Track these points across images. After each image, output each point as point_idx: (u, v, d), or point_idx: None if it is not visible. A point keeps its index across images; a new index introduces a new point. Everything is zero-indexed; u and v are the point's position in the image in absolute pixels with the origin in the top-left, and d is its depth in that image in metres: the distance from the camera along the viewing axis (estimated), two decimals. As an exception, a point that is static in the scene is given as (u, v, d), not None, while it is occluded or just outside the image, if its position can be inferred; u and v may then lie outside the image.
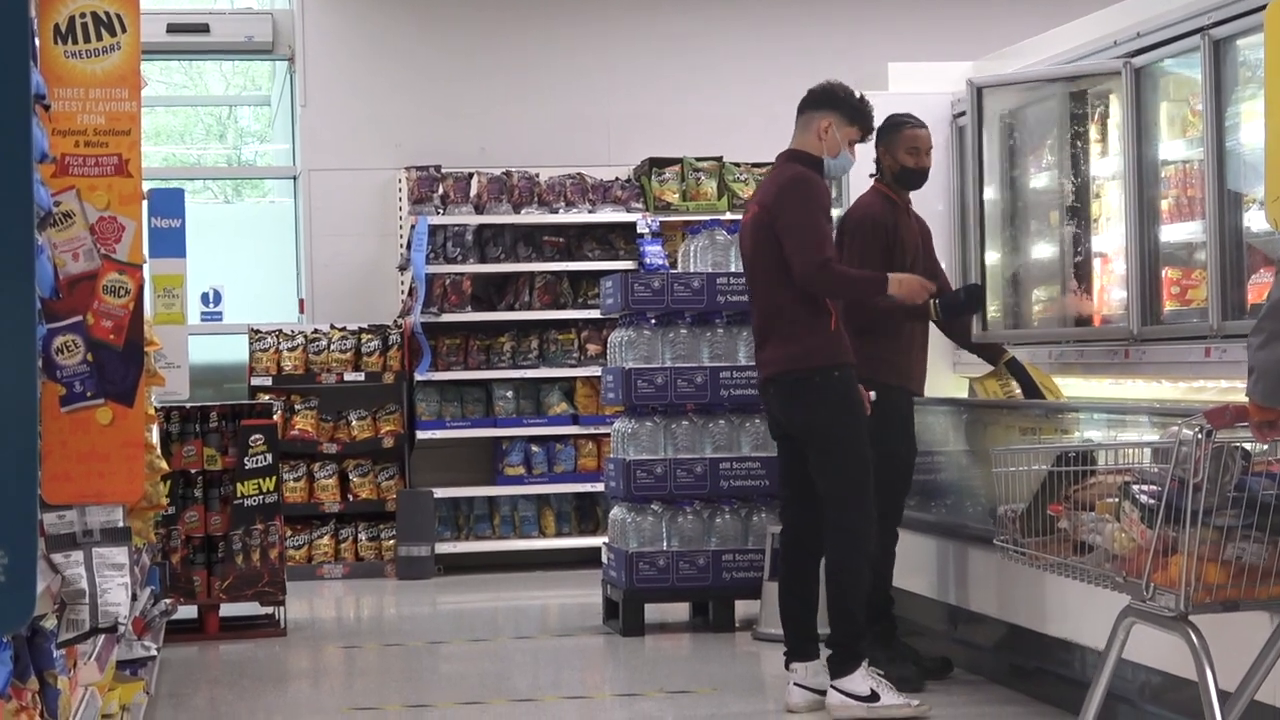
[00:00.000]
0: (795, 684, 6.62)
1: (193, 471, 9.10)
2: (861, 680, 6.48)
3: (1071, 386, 7.28)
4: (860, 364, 6.73)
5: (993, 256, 7.59)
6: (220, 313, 12.54)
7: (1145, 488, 4.38)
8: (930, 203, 7.72)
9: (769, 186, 6.78)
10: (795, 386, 6.61)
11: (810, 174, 6.67)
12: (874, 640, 6.94)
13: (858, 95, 6.75)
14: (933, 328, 7.41)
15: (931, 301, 7.07)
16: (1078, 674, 6.15)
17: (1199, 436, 4.22)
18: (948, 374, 8.16)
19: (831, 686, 6.51)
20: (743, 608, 8.78)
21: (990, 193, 7.56)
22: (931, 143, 7.32)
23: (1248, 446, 4.28)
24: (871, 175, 7.35)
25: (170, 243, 9.63)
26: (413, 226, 11.72)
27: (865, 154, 7.12)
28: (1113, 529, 4.45)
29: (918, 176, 7.30)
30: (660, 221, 12.00)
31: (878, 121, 6.97)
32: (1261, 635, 4.51)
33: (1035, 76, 7.34)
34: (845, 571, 6.53)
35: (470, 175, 11.97)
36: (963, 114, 7.81)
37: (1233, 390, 4.92)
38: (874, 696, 6.45)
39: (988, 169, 7.55)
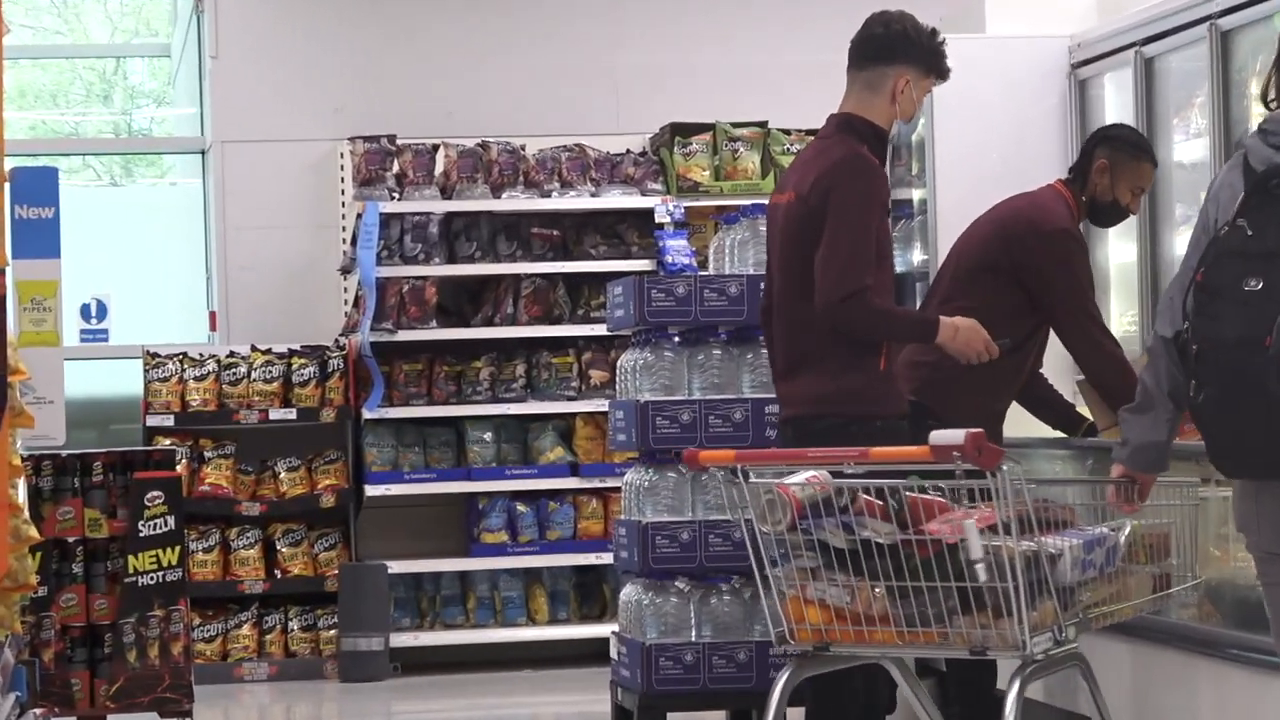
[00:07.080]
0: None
1: (70, 540, 9.11)
2: None
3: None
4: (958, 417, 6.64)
5: (1126, 252, 7.57)
6: (106, 331, 12.58)
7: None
8: (1035, 180, 7.61)
9: (811, 168, 6.68)
10: (826, 436, 6.35)
11: (868, 159, 6.58)
12: None
13: (929, 31, 6.68)
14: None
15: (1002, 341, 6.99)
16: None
17: (734, 480, 5.30)
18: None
19: None
20: (796, 716, 8.78)
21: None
22: None
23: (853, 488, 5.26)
24: (1063, 181, 7.30)
25: (40, 238, 9.66)
26: (359, 216, 11.75)
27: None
28: None
29: (1118, 217, 7.31)
30: (685, 207, 12.01)
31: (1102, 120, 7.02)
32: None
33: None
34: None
35: (435, 148, 11.99)
36: (1084, 63, 7.82)
37: None
38: None
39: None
